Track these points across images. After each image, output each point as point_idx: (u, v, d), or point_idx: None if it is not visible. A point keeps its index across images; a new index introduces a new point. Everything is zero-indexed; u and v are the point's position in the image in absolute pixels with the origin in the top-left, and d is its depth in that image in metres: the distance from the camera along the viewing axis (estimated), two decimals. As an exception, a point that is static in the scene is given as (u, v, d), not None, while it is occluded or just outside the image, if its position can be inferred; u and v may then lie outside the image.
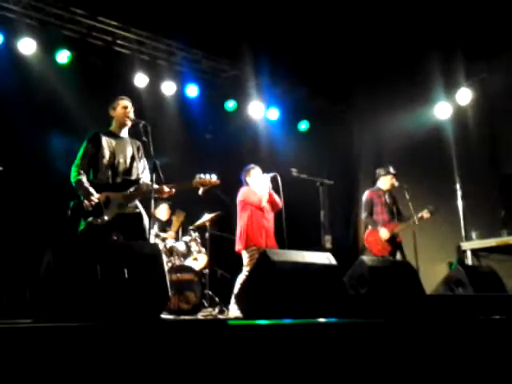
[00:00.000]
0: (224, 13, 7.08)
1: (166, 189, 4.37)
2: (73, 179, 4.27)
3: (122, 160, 4.43)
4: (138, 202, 4.45)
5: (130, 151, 4.51)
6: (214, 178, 4.48)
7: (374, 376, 2.64)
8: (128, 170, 4.46)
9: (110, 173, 4.36)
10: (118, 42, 7.33)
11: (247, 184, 5.95)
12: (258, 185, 5.88)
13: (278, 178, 5.73)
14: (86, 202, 4.16)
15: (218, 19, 7.11)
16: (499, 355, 3.01)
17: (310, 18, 7.33)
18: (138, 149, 4.60)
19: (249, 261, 5.63)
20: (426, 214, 6.10)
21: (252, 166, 6.02)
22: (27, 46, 6.52)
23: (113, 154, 4.40)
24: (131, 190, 4.40)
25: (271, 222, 5.85)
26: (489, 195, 7.04)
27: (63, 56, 6.80)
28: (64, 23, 6.83)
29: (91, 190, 4.21)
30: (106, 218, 4.21)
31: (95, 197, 4.19)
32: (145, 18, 7.09)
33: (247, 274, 5.46)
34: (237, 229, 5.82)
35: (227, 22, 7.15)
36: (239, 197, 5.87)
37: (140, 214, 4.38)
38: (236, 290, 5.53)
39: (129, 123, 4.55)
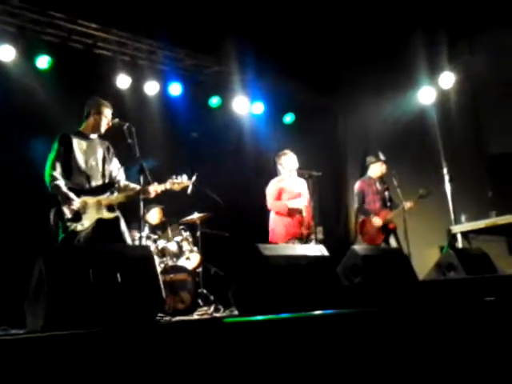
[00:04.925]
0: (204, 8, 7.02)
1: (151, 189, 4.34)
2: (49, 184, 4.18)
3: (94, 163, 4.37)
4: (115, 207, 4.39)
5: (100, 153, 4.46)
6: (184, 178, 4.49)
7: (373, 365, 2.66)
8: (101, 174, 4.41)
9: (84, 177, 4.30)
10: (99, 44, 7.27)
11: (279, 172, 5.92)
12: (285, 173, 5.85)
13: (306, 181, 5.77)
14: (65, 207, 4.09)
15: (198, 15, 7.06)
16: (494, 337, 3.04)
17: (291, 8, 7.31)
18: (108, 149, 4.54)
19: None
20: (415, 199, 6.18)
21: (285, 151, 5.97)
22: (6, 53, 6.43)
23: (85, 157, 4.33)
24: (108, 194, 4.37)
25: (306, 212, 5.71)
26: (476, 177, 7.10)
27: (43, 61, 6.72)
28: (43, 28, 6.75)
29: (71, 194, 4.12)
30: (85, 224, 4.15)
31: (76, 202, 4.12)
32: (124, 18, 7.02)
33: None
34: (270, 220, 5.83)
35: (208, 18, 7.09)
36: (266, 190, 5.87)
37: (117, 219, 4.33)
38: None
39: (102, 133, 4.51)
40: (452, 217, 7.02)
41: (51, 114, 6.27)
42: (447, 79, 7.71)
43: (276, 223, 5.78)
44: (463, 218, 6.77)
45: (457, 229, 6.79)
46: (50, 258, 2.97)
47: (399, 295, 3.70)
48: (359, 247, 4.17)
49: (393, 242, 6.22)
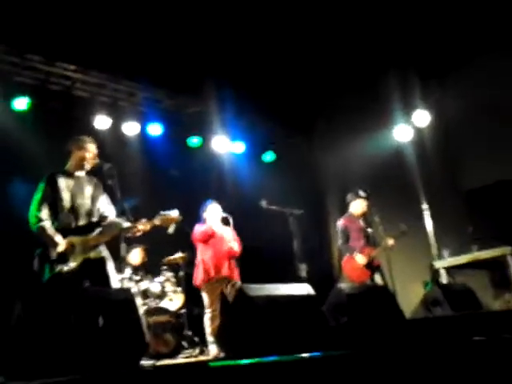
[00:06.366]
0: (183, 50, 7.12)
1: (140, 226, 4.26)
2: (33, 226, 4.08)
3: (81, 201, 4.27)
4: (102, 246, 4.29)
5: (88, 190, 4.37)
6: (174, 213, 4.41)
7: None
8: (89, 211, 4.31)
9: (71, 216, 4.20)
10: (77, 85, 7.28)
11: (204, 219, 6.06)
12: (211, 219, 6.01)
13: (230, 219, 5.94)
14: (52, 250, 3.98)
15: (177, 57, 7.15)
16: (482, 376, 3.01)
17: (268, 49, 7.45)
18: (96, 186, 4.45)
19: (207, 298, 5.72)
20: (396, 235, 6.22)
21: (210, 201, 6.14)
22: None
23: (72, 196, 4.24)
24: (95, 232, 4.26)
25: (229, 256, 5.89)
26: (455, 212, 7.16)
27: (21, 103, 6.68)
28: (20, 70, 6.75)
29: (56, 237, 4.03)
30: (72, 264, 4.04)
31: (61, 245, 4.02)
32: (103, 59, 7.05)
33: (210, 313, 5.62)
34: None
35: (187, 59, 7.19)
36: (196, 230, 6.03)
37: (103, 259, 4.22)
38: (207, 330, 5.54)
39: (88, 169, 4.45)
40: (434, 252, 7.07)
41: (29, 156, 6.22)
42: (421, 117, 7.87)
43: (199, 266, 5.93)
44: (445, 253, 6.81)
45: (439, 264, 6.84)
46: (29, 302, 2.89)
47: (386, 334, 3.66)
48: (344, 285, 4.14)
49: (378, 280, 6.19)
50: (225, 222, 6.09)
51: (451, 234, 7.04)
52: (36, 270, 4.04)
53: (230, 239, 5.96)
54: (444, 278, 6.69)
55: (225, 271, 5.76)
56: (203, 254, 5.88)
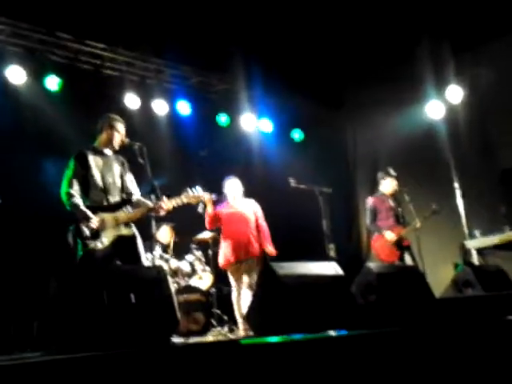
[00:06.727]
0: (211, 27, 7.08)
1: (163, 205, 4.29)
2: (67, 202, 4.15)
3: (111, 179, 4.33)
4: (132, 223, 4.34)
5: (117, 169, 4.43)
6: (200, 191, 4.47)
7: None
8: (119, 189, 4.38)
9: (101, 193, 4.26)
10: (107, 64, 7.33)
11: (224, 196, 5.97)
12: (228, 196, 5.91)
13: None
14: (84, 226, 4.06)
15: (205, 33, 7.12)
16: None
17: (297, 24, 7.35)
18: (123, 164, 4.51)
19: (232, 277, 5.73)
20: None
21: (229, 177, 6.04)
22: (15, 74, 6.49)
23: (102, 174, 4.30)
24: (126, 209, 4.32)
25: (248, 234, 5.75)
26: (488, 191, 7.04)
27: (53, 82, 6.77)
28: (51, 49, 6.82)
29: (89, 213, 4.09)
30: (105, 241, 4.12)
31: (94, 220, 4.09)
32: (131, 38, 7.08)
33: (236, 291, 5.62)
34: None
35: (215, 36, 7.15)
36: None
37: (134, 236, 4.28)
38: (235, 308, 5.61)
39: (116, 147, 4.49)
40: (465, 232, 6.97)
41: (61, 135, 6.31)
42: (454, 92, 7.69)
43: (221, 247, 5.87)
44: (477, 233, 6.70)
45: (471, 244, 6.72)
46: (63, 279, 2.95)
47: (416, 313, 3.64)
48: (373, 265, 4.11)
49: (408, 260, 6.11)
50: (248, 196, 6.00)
51: (483, 214, 6.93)
52: (69, 246, 4.12)
53: (251, 217, 5.83)
54: (475, 259, 6.60)
55: (243, 254, 5.63)
56: (223, 237, 5.81)
